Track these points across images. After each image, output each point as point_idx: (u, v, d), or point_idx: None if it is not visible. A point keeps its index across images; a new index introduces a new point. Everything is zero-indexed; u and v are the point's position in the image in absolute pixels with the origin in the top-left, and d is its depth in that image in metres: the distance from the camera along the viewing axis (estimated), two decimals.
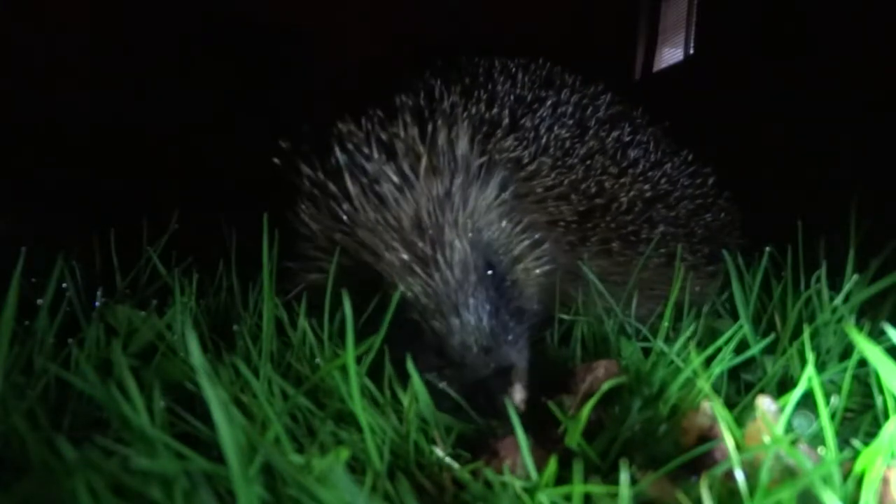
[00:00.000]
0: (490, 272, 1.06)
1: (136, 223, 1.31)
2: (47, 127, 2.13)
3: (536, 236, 1.17)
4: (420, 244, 1.02)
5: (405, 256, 1.02)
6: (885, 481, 0.65)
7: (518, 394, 0.93)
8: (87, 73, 2.31)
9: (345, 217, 1.05)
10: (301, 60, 2.64)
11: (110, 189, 1.95)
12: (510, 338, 1.00)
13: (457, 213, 1.05)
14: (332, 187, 1.07)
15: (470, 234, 1.05)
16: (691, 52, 2.74)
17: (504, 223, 1.12)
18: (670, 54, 2.90)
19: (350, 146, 1.08)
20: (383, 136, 1.09)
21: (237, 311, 1.13)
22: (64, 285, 1.04)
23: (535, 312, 1.14)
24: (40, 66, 2.24)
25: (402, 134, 1.08)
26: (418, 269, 1.01)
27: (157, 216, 1.33)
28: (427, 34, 2.62)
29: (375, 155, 1.06)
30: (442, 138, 1.07)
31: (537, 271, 1.16)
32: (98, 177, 2.03)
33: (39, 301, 0.93)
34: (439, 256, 1.01)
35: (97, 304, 1.07)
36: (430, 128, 1.08)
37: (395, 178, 1.04)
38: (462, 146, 1.09)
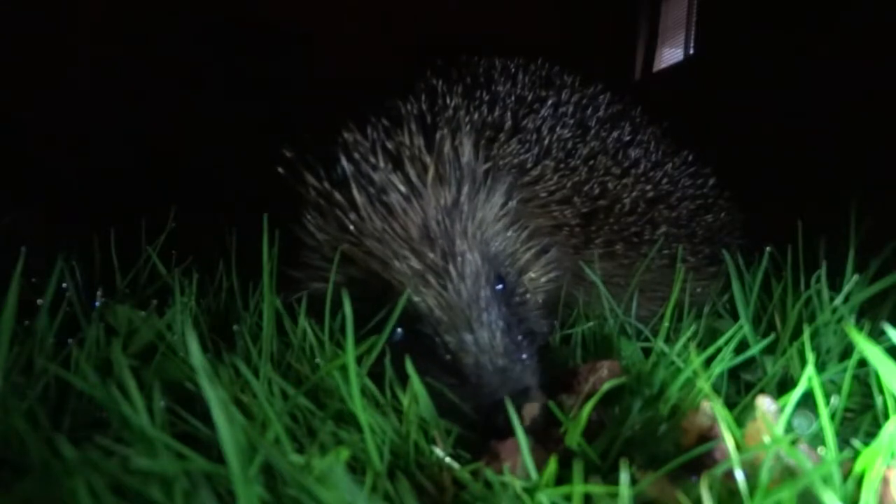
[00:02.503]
0: (500, 286, 1.04)
1: (137, 223, 1.31)
2: (47, 126, 2.13)
3: (542, 244, 1.15)
4: (430, 254, 0.99)
5: (416, 265, 0.99)
6: (885, 481, 0.65)
7: (532, 416, 0.89)
8: (87, 73, 2.31)
9: (352, 227, 1.03)
10: (302, 62, 2.64)
11: (110, 189, 1.95)
12: (524, 357, 0.96)
13: (466, 223, 1.03)
14: (338, 197, 1.05)
15: (480, 246, 1.03)
16: (691, 52, 2.74)
17: (510, 233, 1.10)
18: (670, 54, 2.90)
19: (356, 155, 1.06)
20: (389, 145, 1.07)
21: (237, 311, 1.13)
22: (64, 285, 1.04)
23: (543, 331, 1.12)
24: (40, 65, 2.24)
25: (407, 142, 1.07)
26: (431, 279, 0.98)
27: (158, 216, 1.33)
28: (426, 34, 2.62)
29: (382, 164, 1.04)
30: (447, 147, 1.06)
31: (543, 279, 1.15)
32: (98, 177, 2.03)
33: (39, 301, 0.93)
34: (451, 268, 0.98)
35: (97, 304, 1.07)
36: (437, 136, 1.06)
37: (403, 188, 1.02)
38: (467, 153, 1.07)
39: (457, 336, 0.95)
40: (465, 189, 1.04)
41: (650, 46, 2.92)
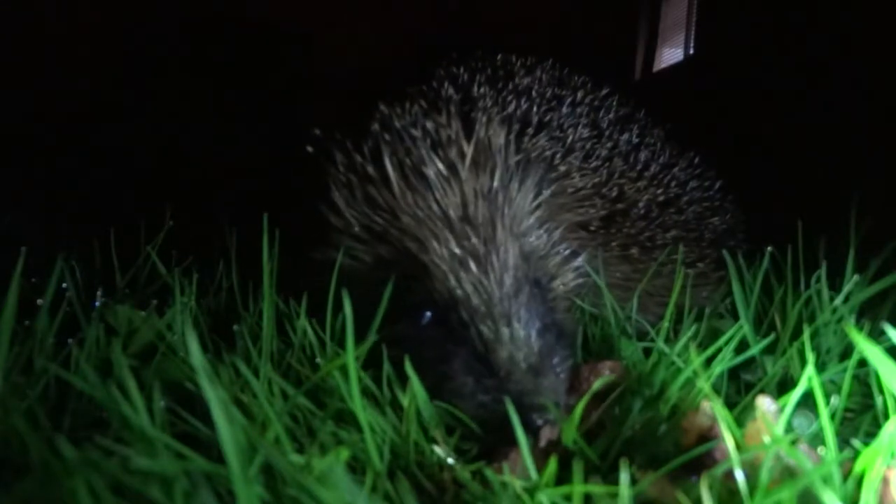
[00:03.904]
0: (537, 288, 1.00)
1: (136, 223, 1.31)
2: (47, 126, 2.13)
3: (571, 249, 1.13)
4: (472, 239, 0.95)
5: (456, 249, 0.95)
6: (885, 481, 0.65)
7: (550, 429, 0.84)
8: (87, 72, 2.31)
9: (383, 202, 0.99)
10: (302, 60, 2.64)
11: (111, 189, 1.95)
12: (557, 363, 0.92)
13: (503, 212, 0.99)
14: (370, 171, 1.00)
15: (517, 240, 0.99)
16: (691, 52, 2.74)
17: (542, 231, 1.08)
18: (670, 54, 2.90)
19: (392, 128, 1.03)
20: (428, 125, 1.04)
21: (237, 311, 1.13)
22: (64, 285, 1.04)
23: (574, 335, 1.10)
24: (39, 65, 2.24)
25: (445, 123, 1.04)
26: (472, 266, 0.94)
27: (158, 216, 1.33)
28: (426, 34, 2.62)
29: (420, 138, 1.01)
30: (483, 134, 1.03)
31: (572, 286, 1.13)
32: (98, 177, 2.03)
33: (39, 301, 0.93)
34: (493, 257, 0.95)
35: (97, 304, 1.07)
36: (474, 123, 1.04)
37: (441, 165, 0.99)
38: (500, 143, 1.04)
39: (493, 328, 0.91)
40: (499, 175, 1.01)
41: (650, 46, 2.92)
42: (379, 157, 1.01)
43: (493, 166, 1.01)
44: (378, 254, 1.01)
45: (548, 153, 1.20)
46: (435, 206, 0.97)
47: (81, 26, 2.32)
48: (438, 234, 0.96)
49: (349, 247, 1.03)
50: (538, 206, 1.08)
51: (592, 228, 1.22)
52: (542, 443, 0.82)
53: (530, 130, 1.22)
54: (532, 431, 0.81)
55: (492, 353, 0.90)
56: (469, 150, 1.00)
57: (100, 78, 2.32)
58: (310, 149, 1.10)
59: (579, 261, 1.14)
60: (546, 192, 1.10)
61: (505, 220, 0.99)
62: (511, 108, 1.26)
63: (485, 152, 1.02)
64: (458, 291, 0.94)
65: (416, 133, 1.02)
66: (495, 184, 1.00)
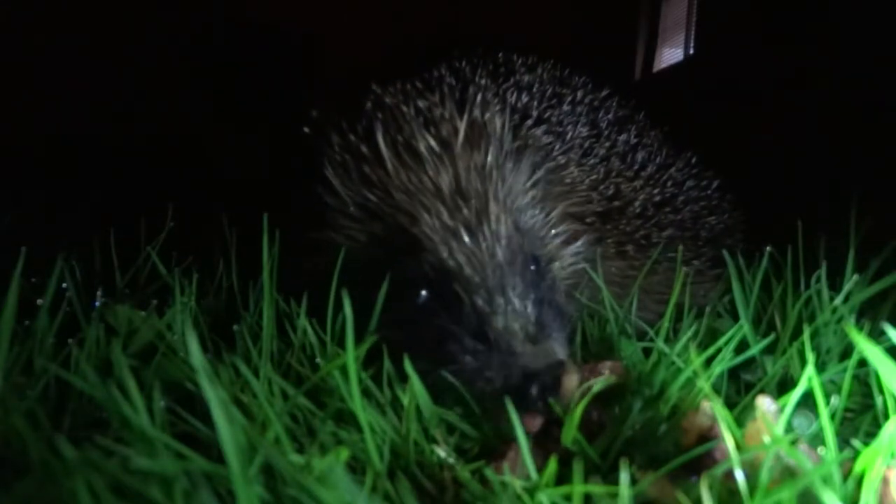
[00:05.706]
0: (533, 267, 0.99)
1: (137, 223, 1.31)
2: (47, 126, 2.13)
3: (569, 233, 1.13)
4: (464, 210, 0.95)
5: (448, 221, 0.94)
6: (885, 481, 0.65)
7: (571, 389, 0.83)
8: (86, 72, 2.31)
9: (377, 179, 1.00)
10: (302, 61, 2.65)
11: (110, 189, 1.95)
12: (556, 328, 0.91)
13: (496, 187, 0.98)
14: (364, 149, 1.01)
15: (512, 214, 0.99)
16: (691, 52, 2.74)
17: (538, 211, 1.08)
18: (670, 54, 2.90)
19: (385, 107, 1.04)
20: (420, 104, 1.05)
21: (237, 311, 1.13)
22: (64, 285, 1.04)
23: (572, 314, 1.09)
24: (39, 65, 2.24)
25: (438, 102, 1.05)
26: (464, 236, 0.93)
27: (158, 216, 1.33)
28: (426, 34, 2.62)
29: (412, 116, 1.01)
30: (478, 114, 1.03)
31: (570, 270, 1.13)
32: (98, 177, 2.03)
33: (39, 301, 0.93)
34: (485, 227, 0.94)
35: (97, 304, 1.07)
36: (467, 105, 1.04)
37: (433, 142, 0.99)
38: (496, 126, 1.04)
39: (487, 298, 0.89)
40: (494, 154, 1.00)
41: (650, 46, 2.92)
42: (372, 136, 1.01)
43: (486, 145, 1.01)
44: (372, 232, 1.01)
45: (545, 141, 1.21)
46: (427, 182, 0.97)
47: (81, 27, 2.32)
48: (430, 207, 0.96)
49: (344, 226, 1.04)
50: (534, 185, 1.08)
51: (588, 221, 1.23)
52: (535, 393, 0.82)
53: (529, 122, 1.23)
54: (531, 401, 0.81)
55: (486, 324, 0.89)
56: (462, 127, 1.00)
57: (100, 78, 2.32)
58: (307, 129, 1.11)
59: (577, 245, 1.14)
60: (540, 172, 1.10)
61: (499, 194, 0.98)
62: (511, 101, 1.26)
63: (479, 130, 1.02)
64: (451, 262, 0.93)
65: (408, 110, 1.03)
66: (490, 160, 1.00)
